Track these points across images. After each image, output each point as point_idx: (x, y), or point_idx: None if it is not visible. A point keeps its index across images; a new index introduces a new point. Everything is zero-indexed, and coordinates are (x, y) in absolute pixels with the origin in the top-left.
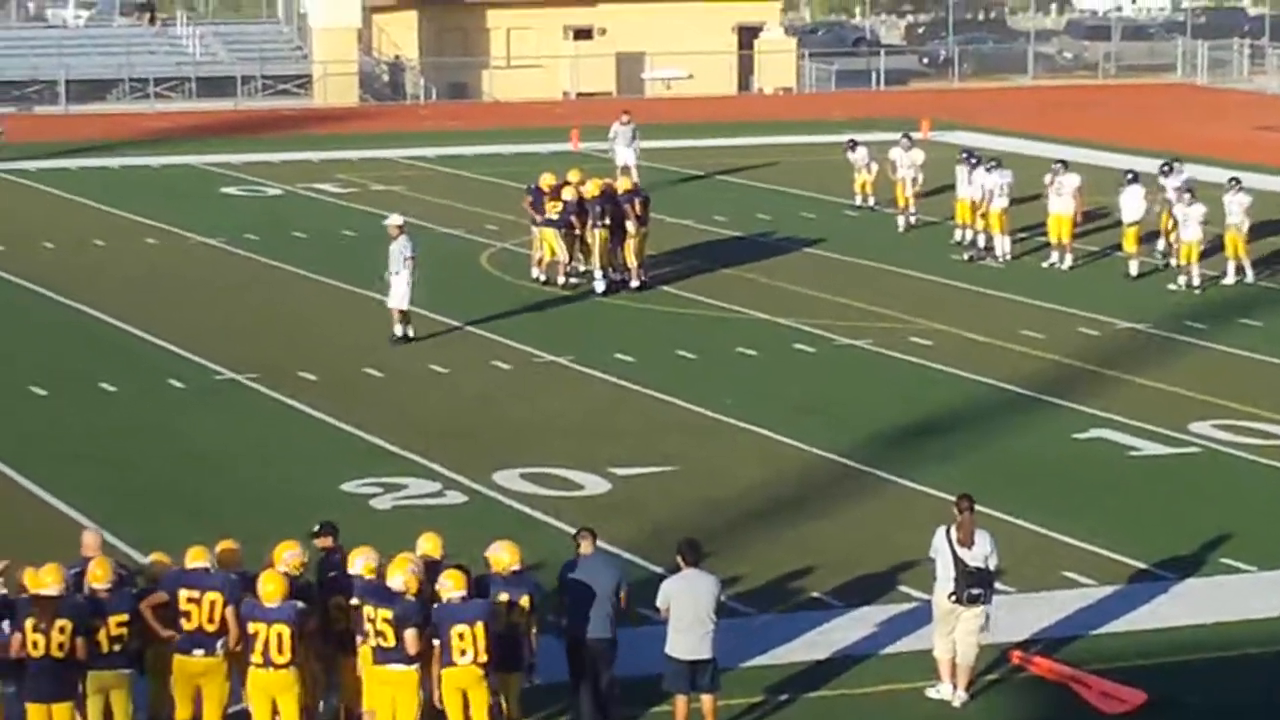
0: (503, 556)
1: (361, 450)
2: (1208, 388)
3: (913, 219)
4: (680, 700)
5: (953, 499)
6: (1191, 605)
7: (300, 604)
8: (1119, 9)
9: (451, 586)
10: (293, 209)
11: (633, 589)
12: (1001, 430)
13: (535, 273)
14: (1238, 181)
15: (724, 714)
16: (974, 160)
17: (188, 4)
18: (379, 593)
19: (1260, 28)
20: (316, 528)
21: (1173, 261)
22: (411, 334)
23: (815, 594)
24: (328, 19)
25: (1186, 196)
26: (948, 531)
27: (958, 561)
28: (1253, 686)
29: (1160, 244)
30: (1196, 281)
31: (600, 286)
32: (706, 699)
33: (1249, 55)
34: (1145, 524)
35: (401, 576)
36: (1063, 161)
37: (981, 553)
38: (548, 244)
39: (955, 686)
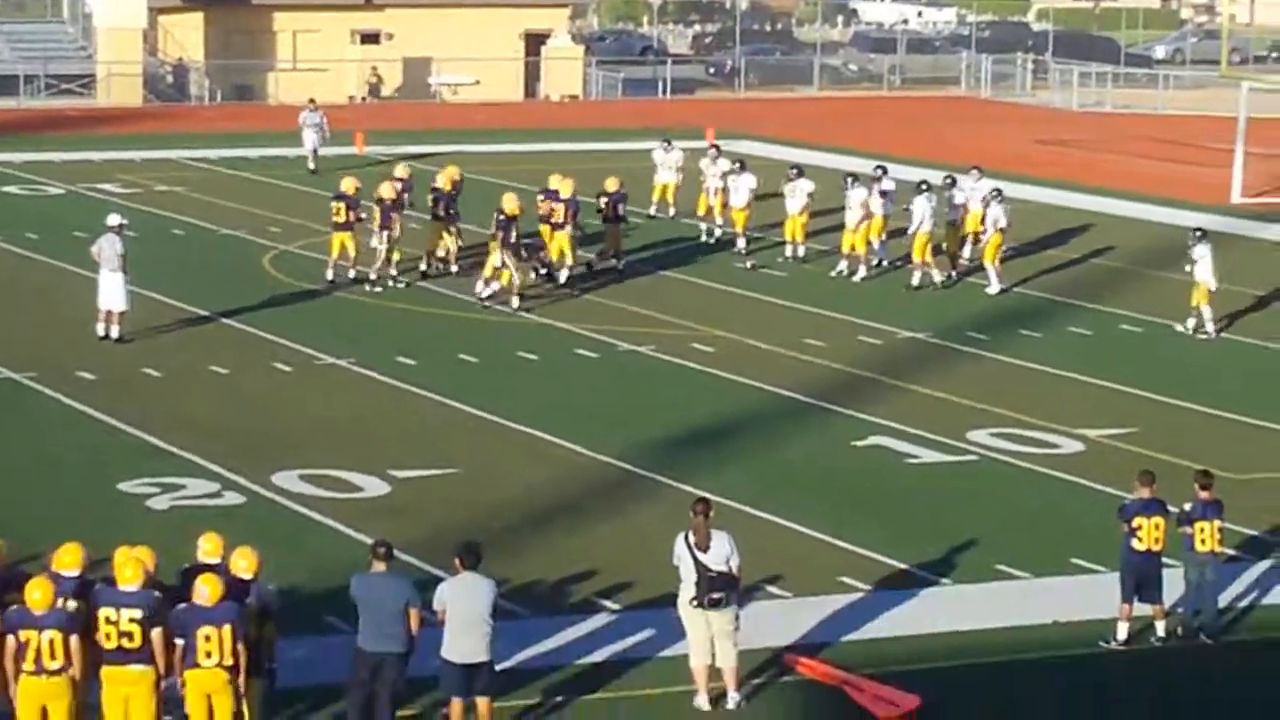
0: (239, 562)
1: (139, 450)
2: (986, 397)
3: (717, 231)
4: (456, 704)
5: (732, 504)
6: (965, 611)
7: (73, 606)
8: (905, 22)
9: (207, 593)
10: (74, 209)
11: (423, 609)
12: (781, 436)
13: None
14: (999, 192)
15: (500, 716)
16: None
17: None
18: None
19: (1044, 43)
20: None
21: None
22: (117, 335)
23: (592, 597)
24: (112, 19)
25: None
26: (686, 537)
27: (698, 566)
28: (1025, 693)
29: (967, 248)
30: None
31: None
32: (482, 702)
33: (1032, 70)
34: (921, 530)
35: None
36: (797, 167)
37: (721, 554)
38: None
39: (723, 693)
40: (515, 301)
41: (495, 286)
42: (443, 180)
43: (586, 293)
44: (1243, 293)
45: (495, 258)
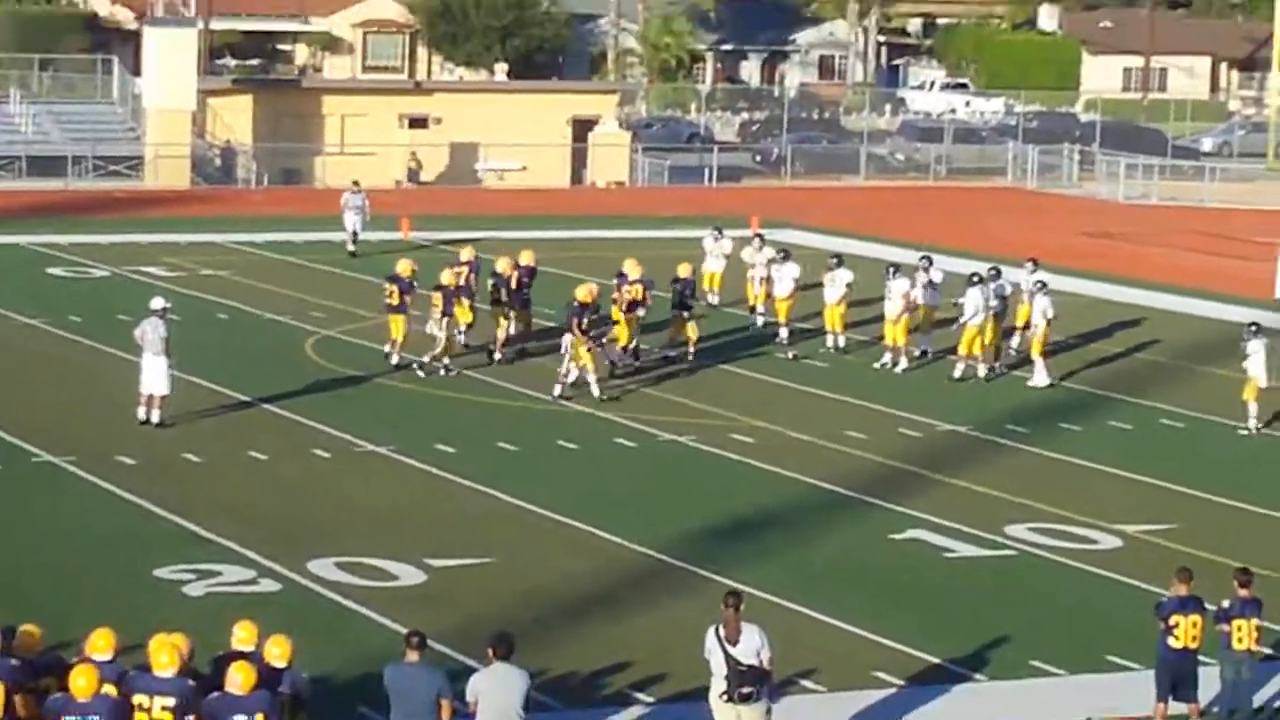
0: (273, 650)
1: (176, 536)
2: (1025, 490)
3: (760, 320)
4: None
5: (768, 596)
6: (1001, 708)
7: (115, 694)
8: (952, 111)
9: (240, 681)
10: (118, 292)
11: (455, 699)
12: (819, 529)
13: (433, 362)
14: (1043, 284)
15: None
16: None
17: (21, 82)
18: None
19: (1091, 134)
20: None
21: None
22: (158, 419)
23: (625, 690)
24: (162, 101)
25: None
26: (717, 630)
27: (728, 659)
28: None
29: (1015, 339)
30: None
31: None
32: None
33: (1078, 161)
34: (957, 625)
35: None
36: (838, 257)
37: (751, 648)
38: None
39: None
40: (557, 389)
41: (593, 379)
42: (502, 265)
43: (632, 383)
44: None
45: (578, 348)
